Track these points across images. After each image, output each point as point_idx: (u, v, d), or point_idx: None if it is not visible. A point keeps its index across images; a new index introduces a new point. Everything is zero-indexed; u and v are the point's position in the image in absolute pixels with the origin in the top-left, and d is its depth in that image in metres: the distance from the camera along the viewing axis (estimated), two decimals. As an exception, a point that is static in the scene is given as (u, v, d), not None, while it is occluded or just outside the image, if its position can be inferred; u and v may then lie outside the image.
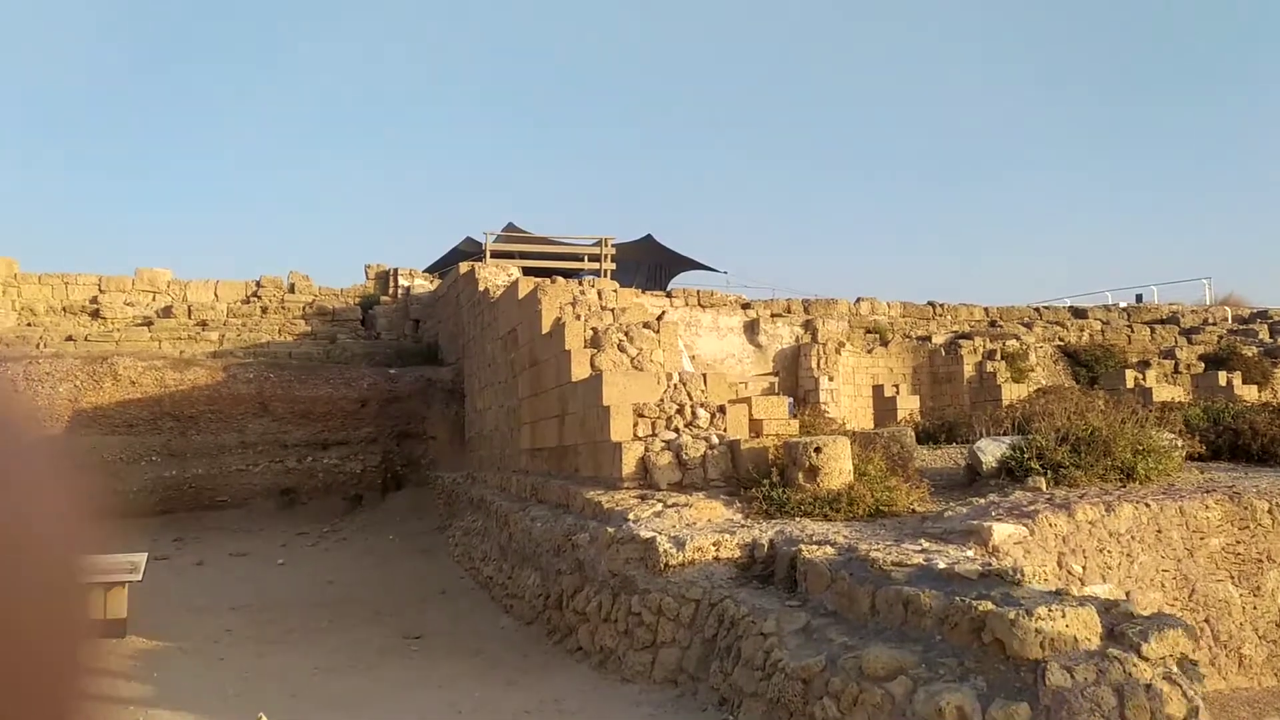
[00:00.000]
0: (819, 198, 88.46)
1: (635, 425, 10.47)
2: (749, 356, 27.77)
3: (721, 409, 10.66)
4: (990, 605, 5.50)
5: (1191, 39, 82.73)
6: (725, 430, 10.47)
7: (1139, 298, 36.62)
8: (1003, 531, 7.34)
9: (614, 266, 26.68)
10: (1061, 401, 11.39)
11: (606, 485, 10.21)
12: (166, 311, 25.75)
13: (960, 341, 28.67)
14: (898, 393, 25.30)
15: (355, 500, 20.10)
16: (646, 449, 9.95)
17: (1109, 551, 7.49)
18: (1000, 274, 79.21)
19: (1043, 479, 9.54)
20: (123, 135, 78.72)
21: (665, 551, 7.89)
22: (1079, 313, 32.88)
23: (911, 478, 9.50)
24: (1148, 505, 7.86)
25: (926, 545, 7.14)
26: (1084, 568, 7.38)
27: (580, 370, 11.78)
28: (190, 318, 25.68)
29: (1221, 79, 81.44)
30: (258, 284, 27.56)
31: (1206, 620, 7.76)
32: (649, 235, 34.74)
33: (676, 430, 10.41)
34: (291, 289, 27.70)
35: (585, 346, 12.17)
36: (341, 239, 79.01)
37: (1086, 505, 7.70)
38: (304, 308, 27.04)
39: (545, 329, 13.19)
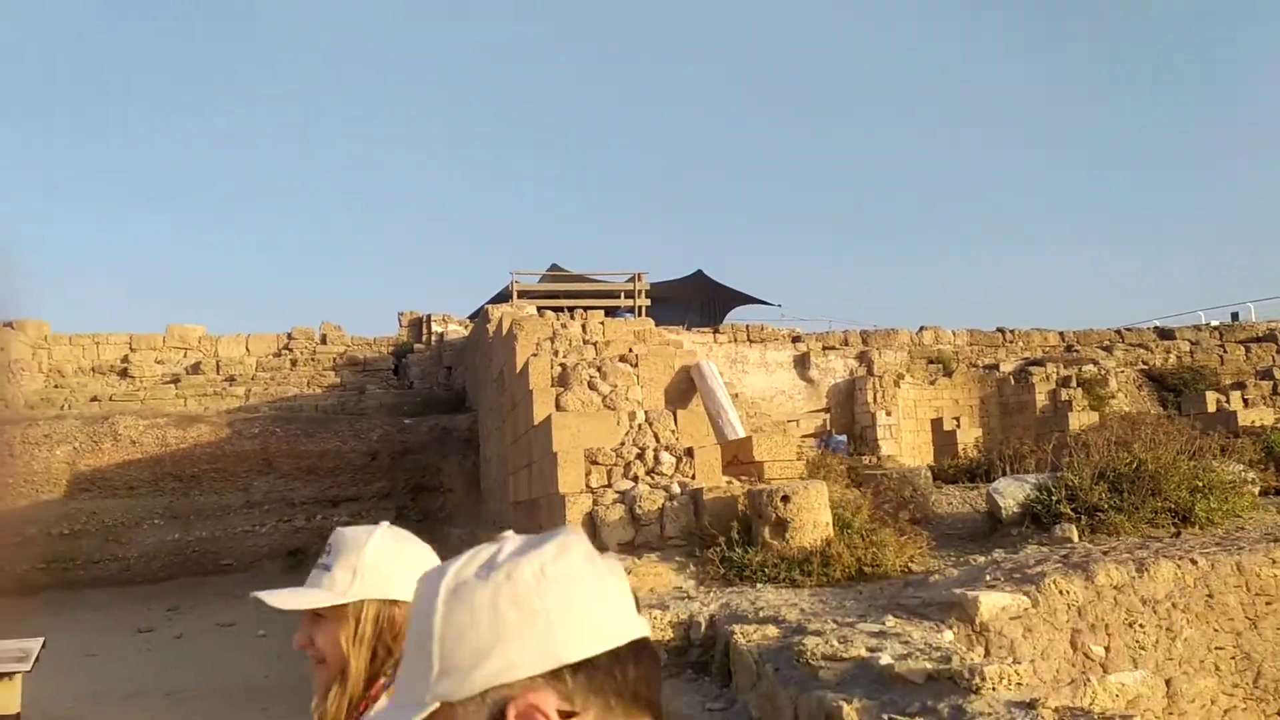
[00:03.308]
0: (883, 227, 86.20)
1: (588, 474, 8.91)
2: (800, 392, 25.95)
3: (689, 451, 9.04)
4: (928, 726, 3.85)
5: (1283, 43, 79.03)
6: (694, 477, 8.85)
7: (1235, 316, 33.69)
8: (993, 603, 5.59)
9: (649, 303, 25.25)
10: (1103, 430, 9.55)
11: (555, 546, 8.65)
12: (195, 368, 25.09)
13: (1031, 369, 26.42)
14: (957, 425, 23.21)
15: (367, 560, 18.81)
16: (595, 502, 8.38)
17: (1142, 625, 5.68)
18: (1079, 298, 75.63)
19: (1074, 526, 7.71)
20: (164, 189, 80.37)
21: (577, 634, 6.31)
22: (1165, 334, 30.27)
23: (908, 529, 7.75)
24: (1194, 562, 5.98)
25: (890, 624, 5.45)
26: (1107, 649, 5.58)
27: (543, 411, 10.29)
28: (219, 373, 24.97)
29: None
30: (289, 336, 26.79)
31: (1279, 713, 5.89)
32: (699, 271, 33.24)
33: (635, 479, 8.83)
34: (323, 340, 26.87)
35: (552, 385, 10.71)
36: (382, 289, 79.25)
37: (1110, 566, 5.86)
38: (335, 359, 26.15)
39: (519, 366, 11.78)
